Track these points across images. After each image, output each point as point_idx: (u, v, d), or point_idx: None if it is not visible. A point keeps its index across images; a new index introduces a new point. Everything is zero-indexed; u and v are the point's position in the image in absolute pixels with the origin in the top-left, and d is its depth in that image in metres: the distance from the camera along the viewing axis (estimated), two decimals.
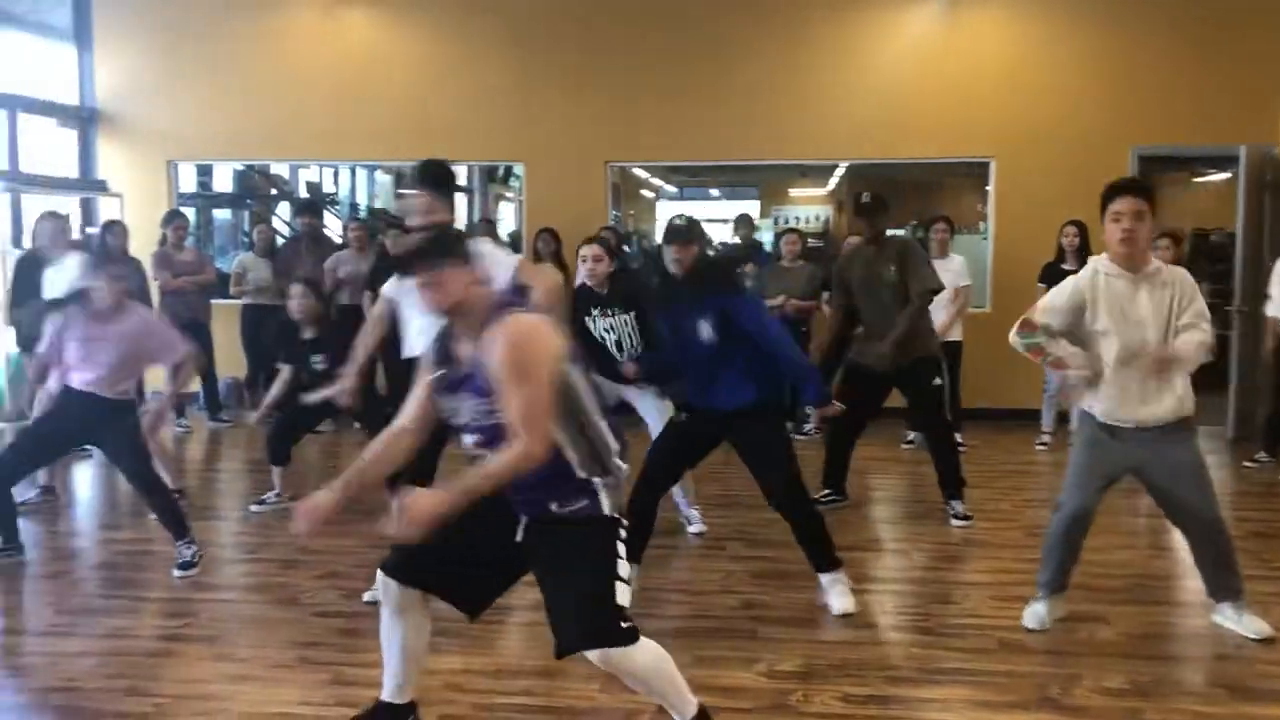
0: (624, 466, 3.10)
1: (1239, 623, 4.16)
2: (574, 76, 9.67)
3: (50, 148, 9.85)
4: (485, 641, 4.15)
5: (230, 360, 9.28)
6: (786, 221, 15.87)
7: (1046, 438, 8.01)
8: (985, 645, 4.10)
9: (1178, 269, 4.11)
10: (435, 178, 4.50)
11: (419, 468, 4.11)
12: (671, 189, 18.63)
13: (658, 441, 4.84)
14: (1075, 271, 4.35)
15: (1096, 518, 5.13)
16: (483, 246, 4.33)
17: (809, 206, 16.13)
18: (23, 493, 5.97)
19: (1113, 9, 9.10)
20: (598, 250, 5.47)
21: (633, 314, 5.43)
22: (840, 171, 14.05)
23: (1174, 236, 7.81)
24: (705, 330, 4.45)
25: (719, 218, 14.03)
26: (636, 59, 9.57)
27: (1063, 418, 7.85)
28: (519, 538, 3.10)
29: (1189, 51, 8.98)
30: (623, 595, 2.99)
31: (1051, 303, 4.10)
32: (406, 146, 10.04)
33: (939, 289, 6.07)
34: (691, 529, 5.68)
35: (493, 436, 2.92)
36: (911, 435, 8.11)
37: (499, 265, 4.23)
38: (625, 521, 3.12)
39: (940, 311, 7.79)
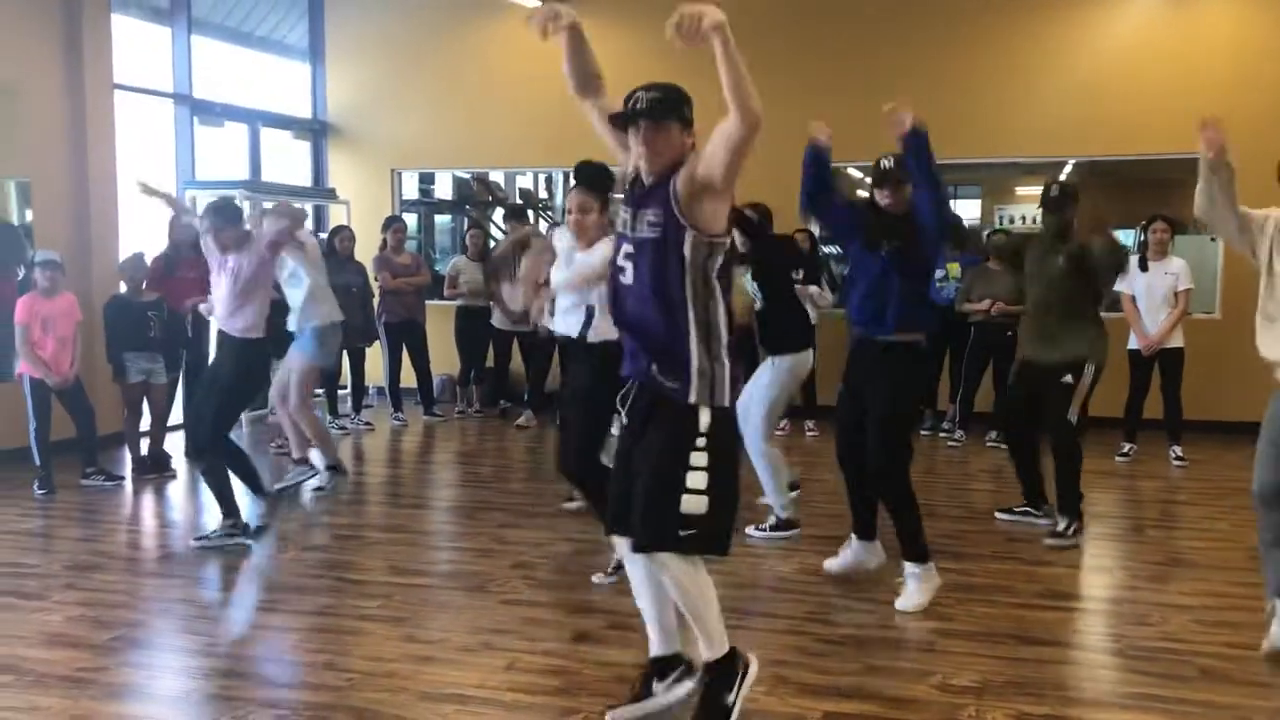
0: (727, 364, 3.15)
1: None
2: (774, 76, 9.57)
3: (286, 158, 10.65)
4: None
5: (444, 358, 9.74)
6: (1010, 221, 15.21)
7: None
8: (1182, 672, 3.85)
9: None
10: (589, 177, 4.62)
11: None
12: None
13: (840, 421, 4.81)
14: None
15: None
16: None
17: (1035, 206, 15.41)
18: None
19: None
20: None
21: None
22: (1068, 169, 13.41)
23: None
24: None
25: None
26: (839, 56, 9.47)
27: None
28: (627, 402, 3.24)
29: None
30: (689, 504, 3.06)
31: None
32: (604, 152, 10.27)
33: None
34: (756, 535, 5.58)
35: (641, 253, 3.15)
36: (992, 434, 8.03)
37: None
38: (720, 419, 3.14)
39: (1157, 315, 7.41)
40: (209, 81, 9.57)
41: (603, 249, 4.33)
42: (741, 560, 5.26)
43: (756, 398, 5.48)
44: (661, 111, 3.12)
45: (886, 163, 4.61)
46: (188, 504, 6.88)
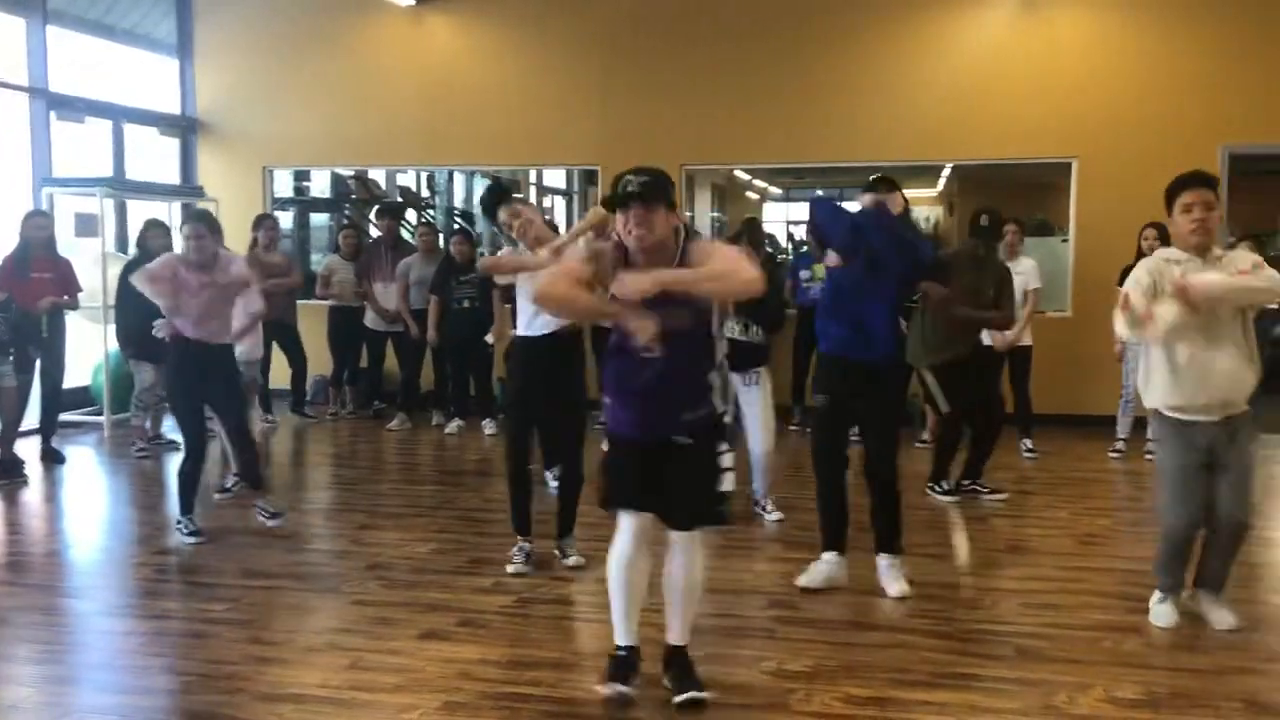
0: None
1: (1210, 610, 4.29)
2: (652, 80, 9.77)
3: (152, 155, 10.39)
4: (507, 634, 4.27)
5: (317, 359, 9.62)
6: None
7: (1121, 445, 7.78)
8: (1002, 652, 4.05)
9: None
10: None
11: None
12: (777, 191, 18.54)
13: (822, 428, 4.95)
14: None
15: (1146, 525, 5.13)
16: None
17: (918, 208, 15.87)
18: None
19: (1201, 2, 8.80)
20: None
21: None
22: (946, 173, 13.80)
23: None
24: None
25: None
26: (714, 62, 9.63)
27: (1139, 424, 7.60)
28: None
29: None
30: (728, 482, 3.57)
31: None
32: (491, 151, 10.31)
33: None
34: (769, 518, 5.93)
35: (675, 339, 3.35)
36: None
37: None
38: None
39: None
40: (68, 75, 9.28)
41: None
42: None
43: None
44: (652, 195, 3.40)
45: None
46: (41, 509, 6.69)
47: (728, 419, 3.66)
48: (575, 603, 4.68)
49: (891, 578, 4.70)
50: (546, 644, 4.17)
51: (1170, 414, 4.14)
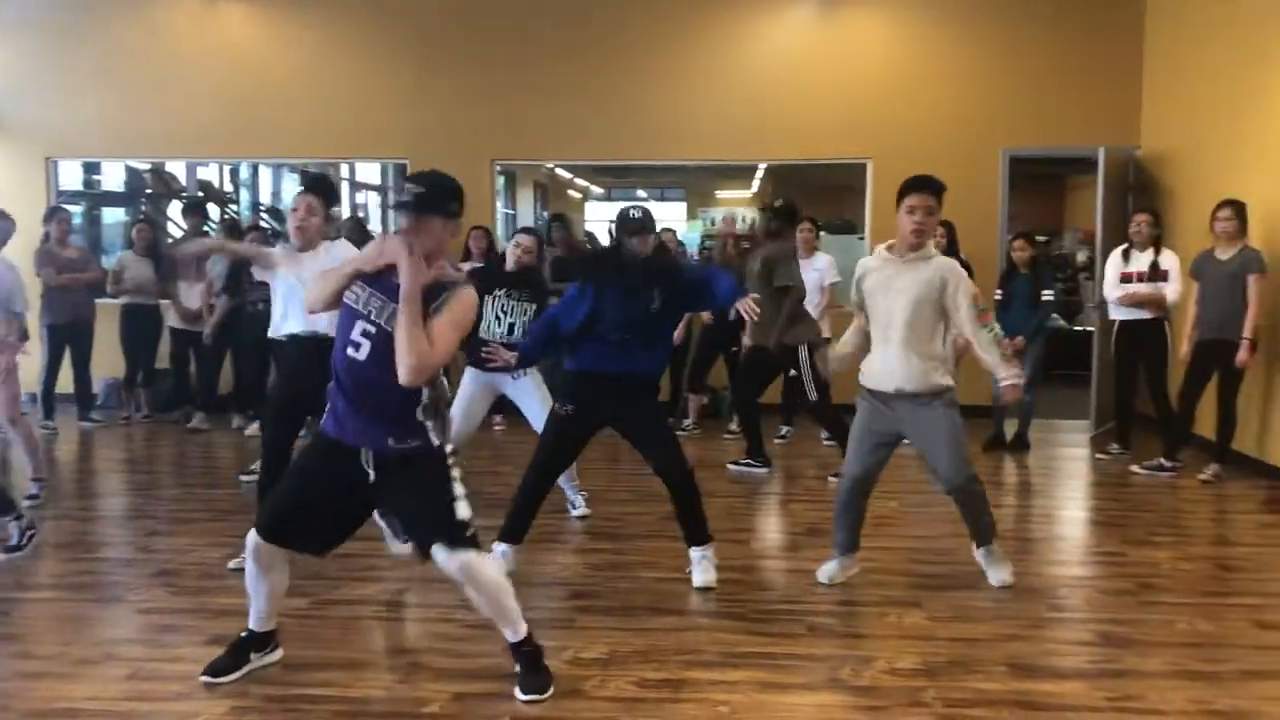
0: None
1: (986, 568, 4.73)
2: (462, 75, 9.68)
3: None
4: (298, 636, 4.12)
5: (108, 360, 9.14)
6: (713, 223, 16.02)
7: None
8: (793, 630, 4.19)
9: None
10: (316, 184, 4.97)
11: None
12: (599, 190, 18.66)
13: (547, 432, 4.89)
14: None
15: (932, 507, 5.36)
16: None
17: (734, 208, 16.24)
18: None
19: (986, 14, 9.33)
20: (529, 242, 5.88)
21: (534, 306, 5.69)
22: (760, 173, 14.17)
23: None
24: (655, 301, 4.65)
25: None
26: (526, 58, 9.62)
27: None
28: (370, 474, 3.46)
29: (1058, 55, 9.24)
30: (463, 511, 3.45)
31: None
32: (298, 143, 10.01)
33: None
34: (575, 512, 5.89)
35: (387, 343, 3.32)
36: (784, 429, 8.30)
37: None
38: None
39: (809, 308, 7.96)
40: None
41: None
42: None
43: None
44: (426, 206, 3.35)
45: (636, 212, 4.78)
46: None
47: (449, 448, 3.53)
48: (372, 603, 4.58)
49: (702, 569, 4.71)
50: (339, 645, 4.07)
51: (866, 384, 4.59)
